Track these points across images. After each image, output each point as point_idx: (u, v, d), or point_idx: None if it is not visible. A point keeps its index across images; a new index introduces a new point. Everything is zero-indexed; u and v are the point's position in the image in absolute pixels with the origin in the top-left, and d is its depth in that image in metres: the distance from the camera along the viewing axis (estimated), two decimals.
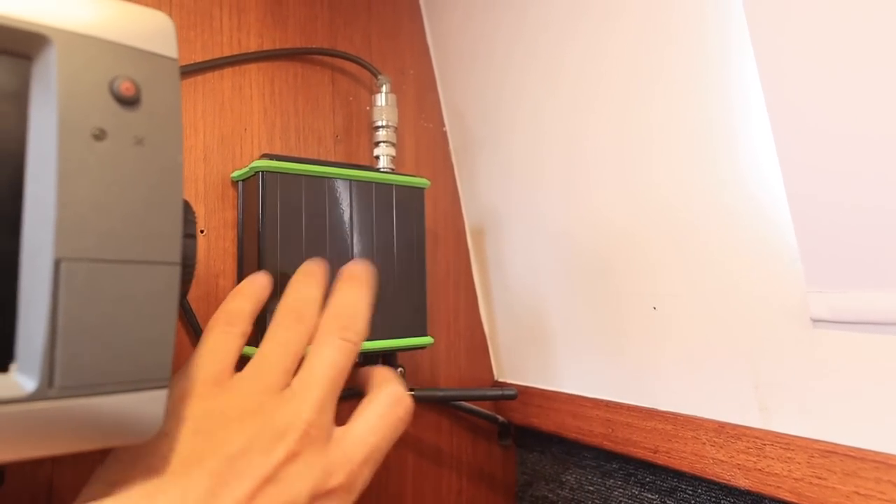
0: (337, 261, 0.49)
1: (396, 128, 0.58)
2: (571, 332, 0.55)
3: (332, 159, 0.57)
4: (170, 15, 0.29)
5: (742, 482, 0.38)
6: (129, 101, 0.25)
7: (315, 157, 0.56)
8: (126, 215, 0.24)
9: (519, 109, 0.58)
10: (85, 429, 0.23)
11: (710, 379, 0.42)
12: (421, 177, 0.56)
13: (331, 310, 0.37)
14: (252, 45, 0.55)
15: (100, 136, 0.24)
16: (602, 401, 0.51)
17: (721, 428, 0.40)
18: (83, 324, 0.23)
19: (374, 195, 0.52)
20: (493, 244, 0.64)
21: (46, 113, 0.23)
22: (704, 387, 0.42)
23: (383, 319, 0.52)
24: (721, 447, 0.40)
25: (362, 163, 0.59)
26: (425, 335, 0.54)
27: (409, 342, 0.53)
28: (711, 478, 0.41)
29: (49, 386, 0.22)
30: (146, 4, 0.29)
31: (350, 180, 0.51)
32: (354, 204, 0.51)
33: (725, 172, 0.39)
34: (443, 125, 0.67)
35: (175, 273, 0.26)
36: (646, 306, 0.46)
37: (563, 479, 0.58)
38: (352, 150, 0.59)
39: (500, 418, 0.62)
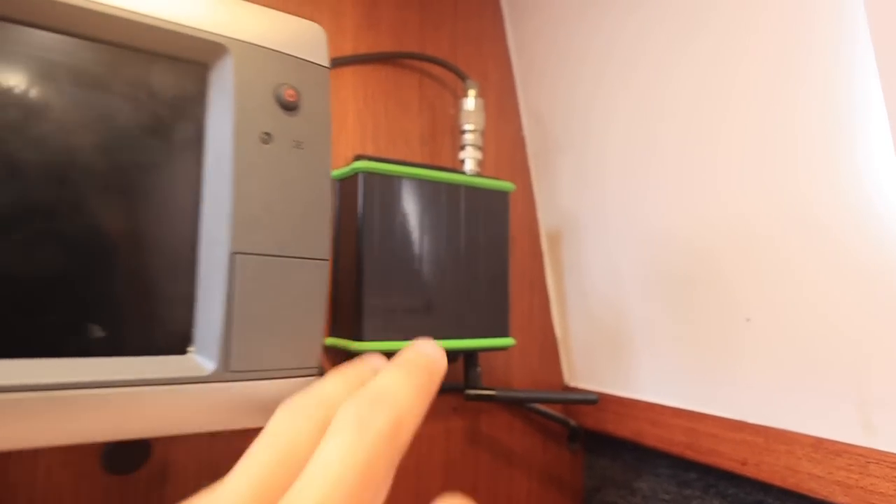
0: (427, 261, 0.51)
1: (483, 132, 0.59)
2: (653, 339, 0.55)
3: (418, 161, 0.59)
4: None
5: (842, 499, 0.38)
6: (290, 107, 0.26)
7: (402, 158, 0.58)
8: (287, 214, 0.26)
9: (617, 111, 0.58)
10: (249, 409, 0.25)
11: (809, 394, 0.42)
12: (505, 180, 0.57)
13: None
14: (347, 49, 0.56)
15: (266, 139, 0.26)
16: (684, 410, 0.51)
17: (819, 443, 0.40)
18: (253, 313, 0.25)
19: (462, 198, 0.54)
20: (571, 248, 0.64)
21: (223, 117, 0.25)
22: (802, 402, 0.42)
23: (467, 320, 0.53)
24: (819, 462, 0.40)
25: (444, 165, 0.60)
26: (507, 336, 0.55)
27: (491, 342, 0.54)
28: (806, 493, 0.41)
29: (226, 368, 0.24)
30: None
31: (441, 183, 0.52)
32: (445, 206, 0.52)
33: (848, 173, 0.39)
34: (521, 129, 0.68)
35: (325, 268, 0.27)
36: (738, 317, 0.47)
37: (635, 487, 0.59)
38: (436, 152, 0.61)
39: (572, 422, 0.63)
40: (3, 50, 0.21)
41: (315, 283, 0.27)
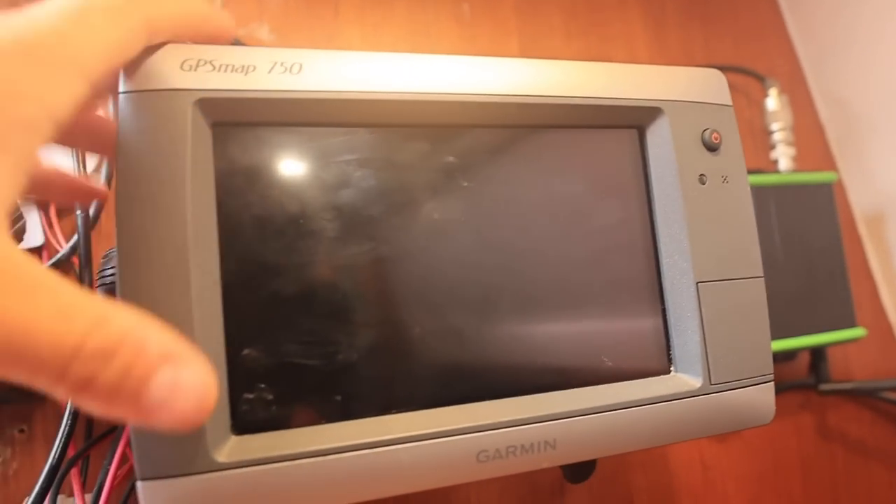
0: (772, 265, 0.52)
1: (793, 127, 0.58)
2: None
3: None
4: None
5: None
6: (714, 148, 0.30)
7: None
8: (728, 241, 0.30)
9: None
10: (723, 418, 0.29)
11: None
12: (825, 171, 0.56)
13: None
14: None
15: (703, 180, 0.30)
16: None
17: None
18: (719, 332, 0.29)
19: (776, 197, 0.53)
20: None
21: (665, 168, 0.30)
22: None
23: (808, 316, 0.53)
24: None
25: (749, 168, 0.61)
26: (855, 327, 0.54)
27: (839, 336, 0.53)
28: None
29: (709, 382, 0.28)
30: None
31: (763, 187, 0.53)
32: (771, 207, 0.53)
33: None
34: (817, 117, 0.66)
35: (761, 285, 0.31)
36: None
37: None
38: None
39: None
40: (465, 154, 0.28)
41: (757, 299, 0.30)
